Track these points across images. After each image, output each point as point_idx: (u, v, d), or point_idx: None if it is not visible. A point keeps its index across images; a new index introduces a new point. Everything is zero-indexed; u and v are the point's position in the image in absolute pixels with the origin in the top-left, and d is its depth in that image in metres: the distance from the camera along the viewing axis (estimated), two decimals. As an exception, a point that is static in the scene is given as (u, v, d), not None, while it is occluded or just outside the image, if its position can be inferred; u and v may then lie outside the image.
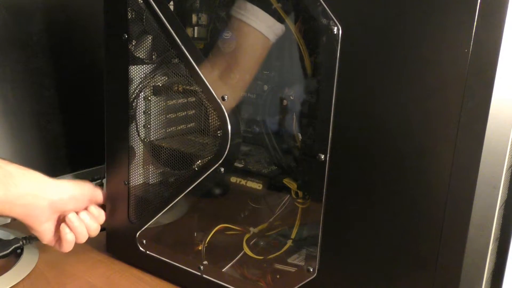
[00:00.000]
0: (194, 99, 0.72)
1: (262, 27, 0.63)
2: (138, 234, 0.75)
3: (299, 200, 0.64)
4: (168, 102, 0.74)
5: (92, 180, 0.93)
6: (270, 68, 0.68)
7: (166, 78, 0.73)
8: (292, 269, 0.65)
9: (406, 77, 0.50)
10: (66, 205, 0.70)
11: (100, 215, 0.75)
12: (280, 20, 0.63)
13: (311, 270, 0.60)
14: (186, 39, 0.65)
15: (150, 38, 0.71)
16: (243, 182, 0.68)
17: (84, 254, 0.81)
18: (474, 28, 0.45)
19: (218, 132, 0.66)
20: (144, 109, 0.74)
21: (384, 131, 0.52)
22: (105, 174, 0.79)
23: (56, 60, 0.84)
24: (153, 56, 0.72)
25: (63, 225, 0.71)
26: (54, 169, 0.86)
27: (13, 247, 0.77)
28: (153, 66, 0.73)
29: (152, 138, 0.75)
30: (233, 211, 0.73)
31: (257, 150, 0.70)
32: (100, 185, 0.93)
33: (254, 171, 0.68)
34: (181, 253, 0.73)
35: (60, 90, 0.85)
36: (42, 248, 0.81)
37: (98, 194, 0.76)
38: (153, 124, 0.74)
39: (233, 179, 0.68)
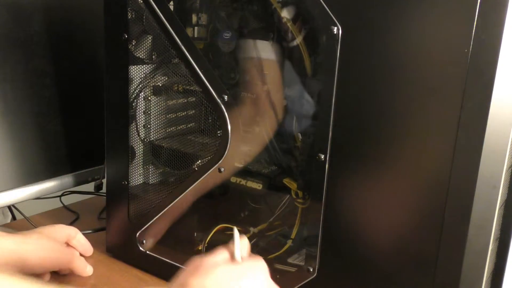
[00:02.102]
0: (194, 99, 0.72)
1: (271, 55, 0.64)
2: (138, 234, 0.75)
3: (299, 200, 0.64)
4: (168, 102, 0.74)
5: (92, 180, 0.93)
6: (270, 69, 0.67)
7: (166, 78, 0.73)
8: (292, 269, 0.65)
9: (406, 77, 0.50)
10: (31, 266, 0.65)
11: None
12: (280, 20, 0.63)
13: (311, 270, 0.60)
14: (186, 39, 0.65)
15: (150, 38, 0.71)
16: (243, 182, 0.68)
17: (84, 254, 0.81)
18: (474, 28, 0.45)
19: (218, 132, 0.66)
20: (144, 109, 0.74)
21: (384, 131, 0.52)
22: (105, 174, 0.79)
23: (56, 60, 0.84)
24: (153, 56, 0.72)
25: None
26: (54, 169, 0.86)
27: (13, 247, 0.77)
28: (153, 66, 0.73)
29: (152, 138, 0.75)
30: (233, 211, 0.73)
31: (257, 150, 0.70)
32: (100, 185, 0.93)
33: (254, 171, 0.68)
34: (181, 253, 0.73)
35: (60, 90, 0.85)
36: (42, 248, 0.81)
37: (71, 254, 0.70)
38: (153, 124, 0.74)
39: (233, 179, 0.68)
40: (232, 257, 0.51)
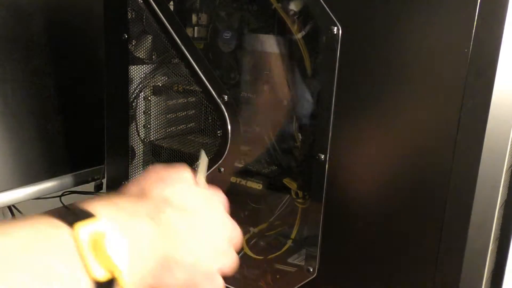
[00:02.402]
0: (194, 99, 0.72)
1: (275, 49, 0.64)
2: (138, 234, 0.75)
3: (299, 200, 0.64)
4: (168, 102, 0.74)
5: (92, 180, 0.92)
6: (270, 68, 0.67)
7: (166, 78, 0.73)
8: (292, 269, 0.65)
9: (406, 77, 0.50)
10: None
11: None
12: (280, 20, 0.63)
13: (311, 270, 0.60)
14: (186, 39, 0.65)
15: (150, 38, 0.71)
16: (243, 182, 0.68)
17: (84, 254, 0.81)
18: (474, 28, 0.45)
19: (218, 132, 0.66)
20: (144, 109, 0.74)
21: (384, 131, 0.52)
22: (105, 174, 0.79)
23: (56, 60, 0.84)
24: (153, 56, 0.72)
25: None
26: (54, 169, 0.86)
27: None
28: (153, 66, 0.73)
29: (152, 138, 0.75)
30: (233, 211, 0.73)
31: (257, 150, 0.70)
32: (100, 185, 0.93)
33: (254, 171, 0.68)
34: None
35: (60, 90, 0.85)
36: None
37: None
38: (153, 124, 0.74)
39: (233, 179, 0.68)
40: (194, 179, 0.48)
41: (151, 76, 0.73)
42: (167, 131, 0.75)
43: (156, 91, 0.73)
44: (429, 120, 0.49)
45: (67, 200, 1.00)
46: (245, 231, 0.70)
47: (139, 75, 0.73)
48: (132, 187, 0.44)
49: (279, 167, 0.68)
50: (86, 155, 0.92)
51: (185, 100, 0.73)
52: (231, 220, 0.48)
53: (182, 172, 0.47)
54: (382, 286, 0.55)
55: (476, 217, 0.49)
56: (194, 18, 0.70)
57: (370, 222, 0.55)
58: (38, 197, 0.84)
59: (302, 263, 0.63)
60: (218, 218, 0.46)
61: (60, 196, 0.99)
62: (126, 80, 0.72)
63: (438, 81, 0.48)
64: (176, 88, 0.72)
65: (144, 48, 0.71)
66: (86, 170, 0.91)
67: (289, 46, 0.65)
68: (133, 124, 0.74)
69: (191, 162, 0.70)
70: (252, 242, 0.70)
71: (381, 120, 0.52)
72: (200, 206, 0.44)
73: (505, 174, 0.49)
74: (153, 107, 0.74)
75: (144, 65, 0.72)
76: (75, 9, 0.88)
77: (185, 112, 0.74)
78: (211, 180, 0.68)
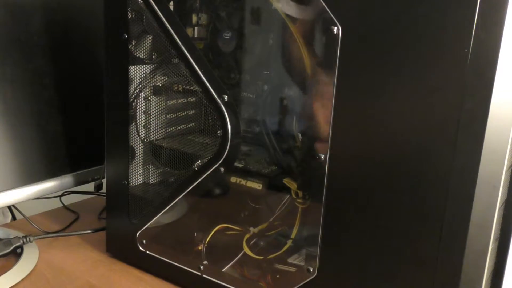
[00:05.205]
0: (194, 99, 0.72)
1: None
2: (138, 234, 0.75)
3: (299, 200, 0.64)
4: (168, 102, 0.74)
5: (92, 180, 0.93)
6: (270, 68, 0.68)
7: (166, 78, 0.73)
8: (292, 269, 0.65)
9: (406, 77, 0.50)
10: None
11: None
12: (280, 19, 0.63)
13: (311, 270, 0.60)
14: (186, 39, 0.65)
15: (150, 38, 0.71)
16: (243, 182, 0.68)
17: (84, 254, 0.81)
18: (474, 28, 0.45)
19: (218, 132, 0.66)
20: (144, 109, 0.74)
21: (384, 131, 0.52)
22: (105, 174, 0.79)
23: (56, 60, 0.84)
24: (153, 56, 0.72)
25: None
26: (54, 169, 0.86)
27: (14, 246, 0.77)
28: (153, 66, 0.73)
29: (152, 138, 0.75)
30: (233, 211, 0.73)
31: (257, 150, 0.70)
32: (100, 185, 0.93)
33: (254, 171, 0.68)
34: (181, 253, 0.73)
35: (60, 90, 0.85)
36: (42, 248, 0.81)
37: None
38: (153, 124, 0.74)
39: (233, 179, 0.68)
40: None
41: (151, 76, 0.73)
42: (167, 131, 0.75)
43: (156, 91, 0.74)
44: (429, 120, 0.49)
45: (67, 200, 1.00)
46: (245, 231, 0.70)
47: (139, 75, 0.73)
48: None
49: (279, 167, 0.68)
50: (86, 155, 0.92)
51: (185, 100, 0.74)
52: None
53: None
54: (382, 286, 0.55)
55: (476, 217, 0.49)
56: (194, 18, 0.70)
57: (370, 222, 0.55)
58: (38, 197, 0.85)
59: (302, 263, 0.63)
60: None
61: (60, 196, 0.99)
62: (126, 80, 0.72)
63: (438, 81, 0.48)
64: (176, 88, 0.72)
65: (144, 48, 0.71)
66: (86, 170, 0.91)
67: (289, 46, 0.65)
68: (133, 124, 0.74)
69: (191, 162, 0.70)
70: (252, 242, 0.70)
71: (381, 120, 0.52)
72: None
73: (505, 174, 0.49)
74: (153, 107, 0.74)
75: (144, 65, 0.73)
76: (75, 9, 0.88)
77: (185, 112, 0.74)
78: (211, 180, 0.68)
